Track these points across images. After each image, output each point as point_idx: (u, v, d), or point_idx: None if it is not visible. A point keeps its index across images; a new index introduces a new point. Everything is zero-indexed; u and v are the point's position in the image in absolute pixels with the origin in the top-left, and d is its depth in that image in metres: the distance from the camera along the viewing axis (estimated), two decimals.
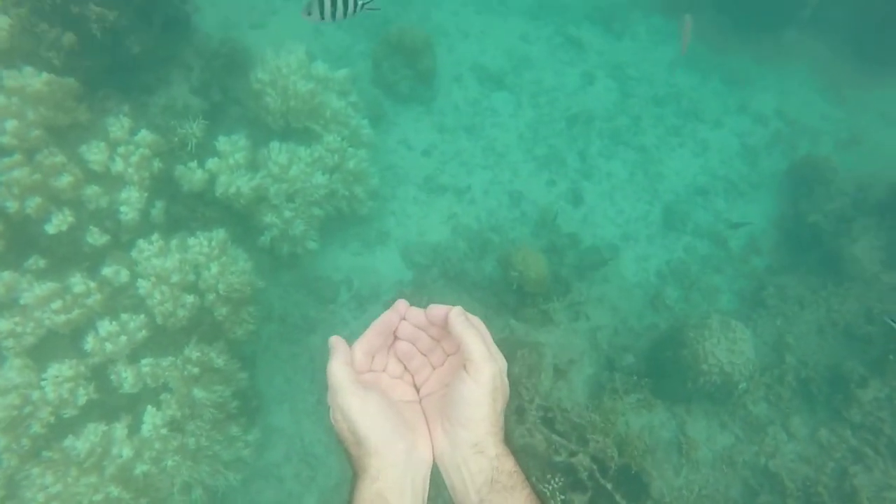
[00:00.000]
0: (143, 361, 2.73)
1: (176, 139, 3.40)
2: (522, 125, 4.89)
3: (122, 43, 3.27)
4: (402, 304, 0.83)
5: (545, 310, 3.75)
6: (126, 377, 2.67)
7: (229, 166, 3.46)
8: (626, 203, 4.78)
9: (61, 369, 2.57)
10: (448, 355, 0.86)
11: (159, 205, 3.20)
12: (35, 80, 2.77)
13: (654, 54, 5.51)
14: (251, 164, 3.59)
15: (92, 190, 2.92)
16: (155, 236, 3.01)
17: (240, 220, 3.61)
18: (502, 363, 0.79)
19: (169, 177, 3.35)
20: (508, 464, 0.73)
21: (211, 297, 3.02)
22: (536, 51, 5.27)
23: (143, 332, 2.74)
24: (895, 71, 5.56)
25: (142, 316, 2.78)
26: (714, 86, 5.48)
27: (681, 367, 3.33)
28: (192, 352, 2.88)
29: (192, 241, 3.09)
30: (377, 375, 0.85)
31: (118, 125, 3.09)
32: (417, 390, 0.87)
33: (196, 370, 2.86)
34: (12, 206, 2.73)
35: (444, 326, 0.81)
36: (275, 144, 3.65)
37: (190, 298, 2.92)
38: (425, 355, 0.87)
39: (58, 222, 2.81)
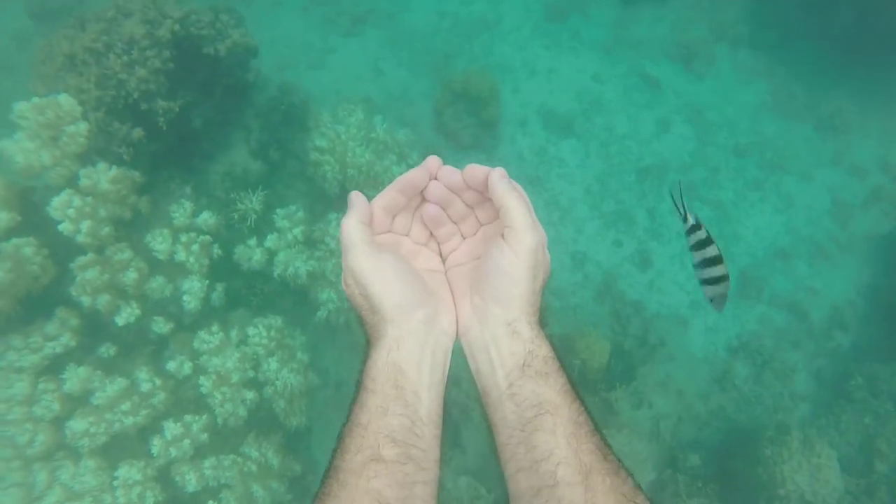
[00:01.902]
0: (206, 463, 2.78)
1: (236, 215, 3.38)
2: (590, 177, 4.61)
3: (186, 119, 3.24)
4: (433, 161, 0.71)
5: (606, 398, 3.58)
6: (190, 479, 2.73)
7: (287, 243, 3.41)
8: None
9: (130, 472, 2.64)
10: (482, 225, 0.75)
11: (220, 288, 3.20)
12: (104, 176, 2.77)
13: (739, 96, 5.03)
14: (308, 239, 3.54)
15: (156, 282, 2.95)
16: (215, 327, 3.02)
17: (297, 295, 3.59)
18: (544, 236, 0.68)
19: (229, 253, 3.35)
20: (544, 349, 0.64)
21: (269, 390, 3.03)
22: (609, 92, 4.90)
23: (206, 435, 2.78)
24: None
25: (204, 416, 2.81)
26: (805, 132, 4.97)
27: (753, 484, 3.11)
28: (251, 450, 2.91)
29: (251, 331, 3.09)
30: (398, 238, 0.74)
31: (181, 211, 3.08)
32: (444, 261, 0.77)
33: (254, 467, 2.90)
34: (86, 301, 2.79)
35: (483, 191, 0.70)
36: (332, 217, 3.57)
37: (250, 395, 2.93)
38: (456, 223, 0.75)
39: (126, 315, 2.86)
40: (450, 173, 0.71)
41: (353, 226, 0.67)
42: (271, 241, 3.37)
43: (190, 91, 3.13)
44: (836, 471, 2.98)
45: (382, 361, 0.64)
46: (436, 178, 0.71)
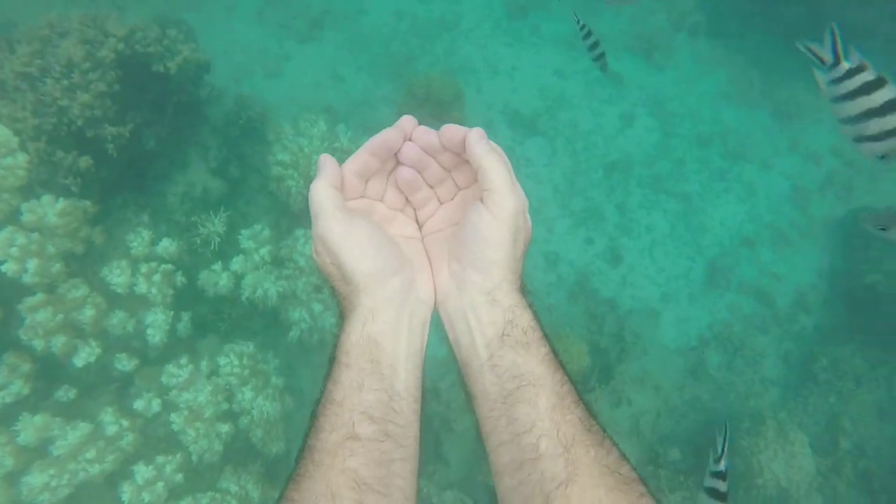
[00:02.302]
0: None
1: (198, 239, 3.23)
2: (558, 175, 4.60)
3: (138, 141, 3.06)
4: (408, 121, 0.67)
5: (586, 400, 3.60)
6: None
7: (255, 265, 3.29)
8: (666, 260, 4.53)
9: None
10: (460, 189, 0.71)
11: (185, 317, 3.06)
12: (51, 209, 2.59)
13: (699, 86, 5.09)
14: (276, 258, 3.41)
15: (117, 317, 2.79)
16: (184, 360, 2.89)
17: (268, 317, 3.47)
18: (525, 200, 0.67)
19: (193, 280, 3.20)
20: (525, 318, 0.61)
21: (245, 420, 2.92)
22: (572, 87, 4.89)
23: (180, 475, 2.66)
24: None
25: (177, 456, 2.69)
26: (763, 120, 5.08)
27: (731, 475, 3.18)
28: (230, 484, 2.81)
29: (222, 360, 2.97)
30: (371, 203, 0.70)
31: (139, 240, 2.92)
32: (420, 228, 0.73)
33: (234, 502, 2.80)
34: (39, 344, 2.63)
35: (460, 152, 0.67)
36: (300, 233, 3.45)
37: (225, 428, 2.82)
38: (432, 187, 0.72)
39: (85, 355, 2.71)
40: (425, 134, 0.67)
41: (323, 189, 0.63)
42: (237, 263, 3.24)
43: (140, 112, 2.96)
44: (809, 456, 3.08)
45: (357, 334, 0.60)
46: (410, 140, 0.67)
